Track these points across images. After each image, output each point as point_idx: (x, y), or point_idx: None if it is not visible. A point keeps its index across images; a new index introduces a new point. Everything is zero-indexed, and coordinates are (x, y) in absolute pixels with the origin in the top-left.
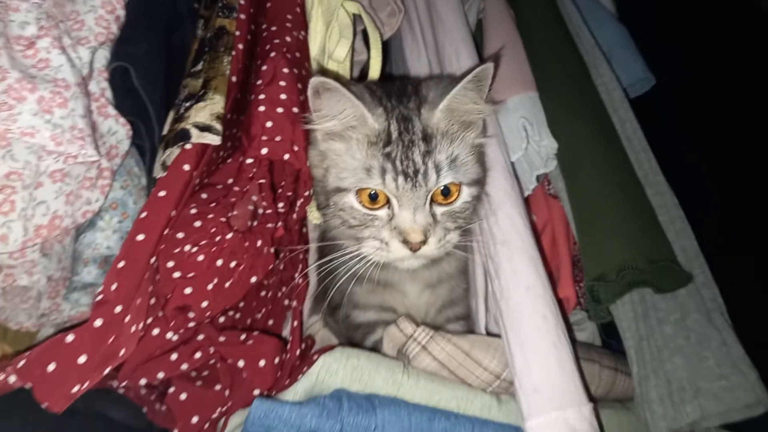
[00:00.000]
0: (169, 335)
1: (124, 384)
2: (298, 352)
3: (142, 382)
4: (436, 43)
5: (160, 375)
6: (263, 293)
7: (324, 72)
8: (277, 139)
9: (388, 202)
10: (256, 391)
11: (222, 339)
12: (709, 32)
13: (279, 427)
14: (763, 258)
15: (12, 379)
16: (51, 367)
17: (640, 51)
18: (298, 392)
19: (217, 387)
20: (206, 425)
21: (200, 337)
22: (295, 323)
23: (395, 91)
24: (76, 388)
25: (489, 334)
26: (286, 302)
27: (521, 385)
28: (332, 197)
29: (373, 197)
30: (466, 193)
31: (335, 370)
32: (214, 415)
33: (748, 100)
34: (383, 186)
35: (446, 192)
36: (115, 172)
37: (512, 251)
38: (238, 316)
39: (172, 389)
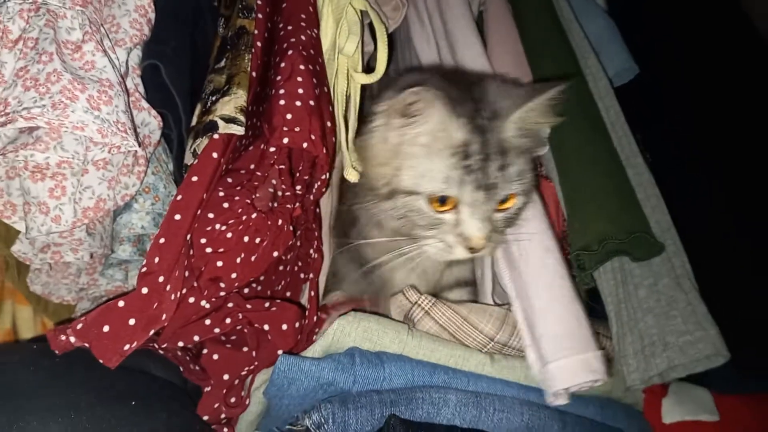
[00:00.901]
0: (203, 303)
1: (164, 346)
2: (315, 318)
3: (180, 344)
4: (445, 31)
5: (196, 338)
6: (282, 267)
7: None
8: (297, 129)
9: (455, 206)
10: (280, 351)
11: (249, 306)
12: (692, 28)
13: (300, 378)
14: (726, 232)
15: (72, 339)
16: (106, 328)
17: (627, 43)
18: (316, 351)
19: (245, 349)
20: (236, 382)
21: (230, 305)
22: (312, 293)
23: (467, 96)
24: (126, 347)
25: (495, 302)
26: (302, 275)
27: (543, 333)
28: (400, 197)
29: (442, 200)
30: (520, 199)
31: (348, 332)
32: (243, 373)
33: (725, 91)
34: (459, 196)
35: (505, 199)
36: (149, 159)
37: (529, 217)
38: (260, 288)
39: (205, 351)
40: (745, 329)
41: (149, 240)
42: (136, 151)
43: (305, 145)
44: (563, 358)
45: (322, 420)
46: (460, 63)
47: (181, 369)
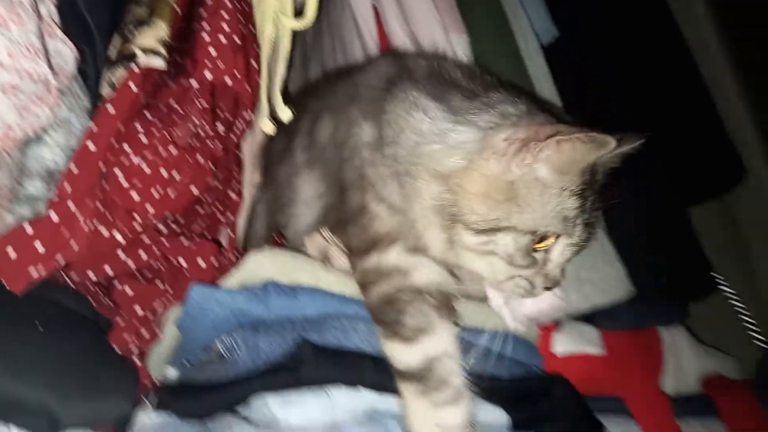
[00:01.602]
0: (116, 236)
1: (75, 278)
2: (232, 256)
3: (92, 276)
4: None
5: (109, 270)
6: (200, 208)
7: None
8: (220, 65)
9: (549, 244)
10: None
11: (164, 242)
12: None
13: (214, 307)
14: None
15: None
16: (12, 253)
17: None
18: (232, 283)
19: (158, 283)
20: (149, 315)
21: (145, 239)
22: (231, 234)
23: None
24: (35, 274)
25: None
26: (222, 217)
27: None
28: (504, 236)
29: (541, 239)
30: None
31: (264, 265)
32: (156, 307)
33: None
34: (568, 235)
35: None
36: (62, 91)
37: None
38: (178, 228)
39: (118, 285)
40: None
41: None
42: (48, 80)
43: (228, 81)
44: None
45: (234, 344)
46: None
47: (93, 302)
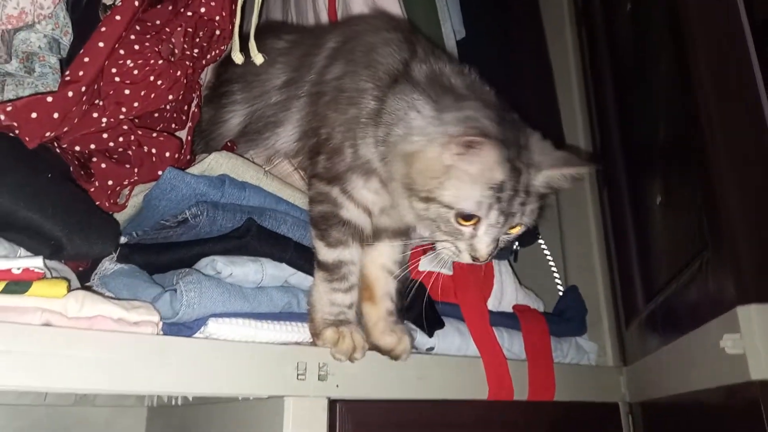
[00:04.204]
0: (103, 120)
1: (64, 146)
2: (188, 156)
3: (77, 148)
4: None
5: (92, 146)
6: (168, 113)
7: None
8: (213, 3)
9: (476, 223)
10: (159, 172)
11: (140, 132)
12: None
13: (181, 186)
14: None
15: (2, 116)
16: (33, 115)
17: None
18: (194, 172)
19: (128, 166)
20: (117, 189)
21: (125, 127)
22: (189, 137)
23: (514, 140)
24: (48, 134)
25: None
26: (176, 125)
27: None
28: (433, 206)
29: (467, 217)
30: (523, 228)
31: (221, 163)
32: (125, 183)
33: None
34: (485, 218)
35: (514, 226)
36: None
37: None
38: (150, 123)
39: (95, 159)
40: None
41: (38, 60)
42: None
43: (217, 17)
44: None
45: (198, 212)
46: None
47: (72, 169)
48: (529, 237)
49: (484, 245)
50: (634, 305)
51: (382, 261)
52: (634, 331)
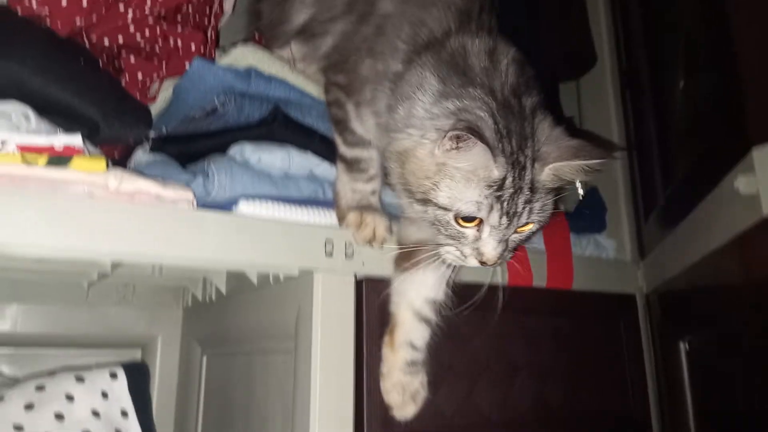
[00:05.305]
0: (129, 13)
1: (94, 41)
2: (214, 51)
3: (105, 42)
4: None
5: (120, 39)
6: (190, 14)
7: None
8: None
9: (479, 224)
10: (187, 65)
11: (165, 24)
12: None
13: (209, 77)
14: None
15: (34, 3)
16: (63, 2)
17: None
18: (221, 64)
19: (155, 61)
20: (146, 83)
21: (150, 20)
22: (213, 35)
23: (517, 129)
24: (77, 21)
25: None
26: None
27: None
28: (431, 208)
29: (468, 219)
30: (535, 226)
31: (248, 55)
32: (154, 76)
33: None
34: (486, 219)
35: (523, 225)
36: None
37: None
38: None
39: (124, 54)
40: None
41: None
42: None
43: None
44: None
45: (226, 100)
46: None
47: (100, 62)
48: None
49: (490, 248)
50: (654, 197)
51: (411, 299)
52: (653, 222)
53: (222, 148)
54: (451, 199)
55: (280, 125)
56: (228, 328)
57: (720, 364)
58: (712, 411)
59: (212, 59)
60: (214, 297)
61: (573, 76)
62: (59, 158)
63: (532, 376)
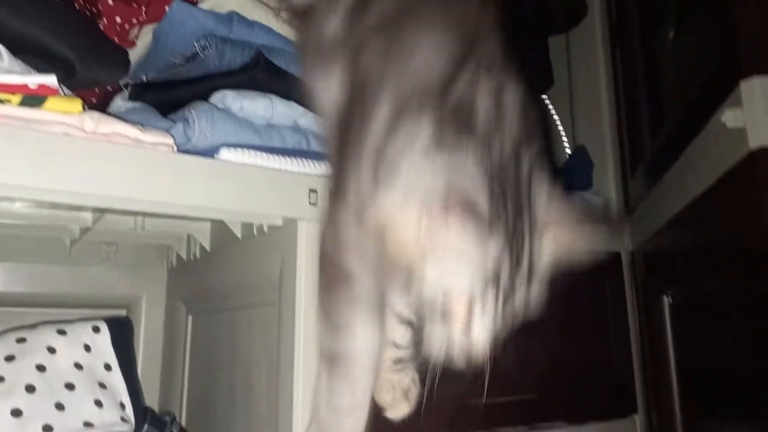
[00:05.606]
0: None
1: None
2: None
3: None
4: None
5: None
6: None
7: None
8: None
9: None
10: (167, 8)
11: None
12: None
13: (189, 21)
14: None
15: None
16: None
17: None
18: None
19: (134, 4)
20: (125, 27)
21: None
22: None
23: (513, 192)
24: None
25: None
26: None
27: None
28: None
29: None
30: None
31: (229, 0)
32: (133, 21)
33: None
34: (480, 299)
35: None
36: None
37: None
38: None
39: None
40: None
41: None
42: None
43: None
44: None
45: (207, 45)
46: None
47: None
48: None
49: (482, 331)
50: (641, 154)
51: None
52: (639, 178)
53: (203, 96)
54: (441, 277)
55: (262, 71)
56: (213, 285)
57: (703, 318)
58: (695, 367)
59: (193, 2)
60: (198, 254)
61: (563, 29)
62: (33, 97)
63: (515, 333)
